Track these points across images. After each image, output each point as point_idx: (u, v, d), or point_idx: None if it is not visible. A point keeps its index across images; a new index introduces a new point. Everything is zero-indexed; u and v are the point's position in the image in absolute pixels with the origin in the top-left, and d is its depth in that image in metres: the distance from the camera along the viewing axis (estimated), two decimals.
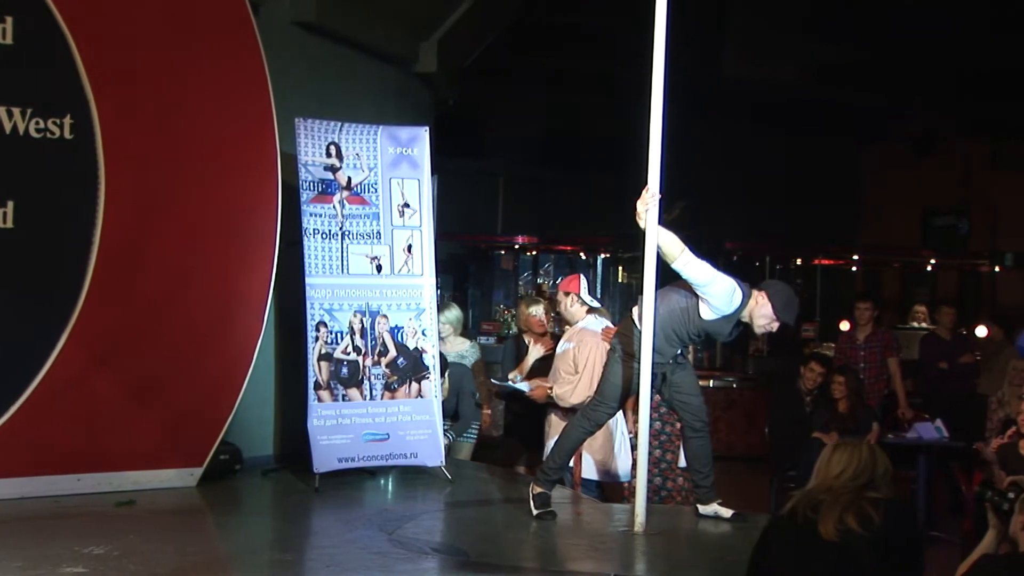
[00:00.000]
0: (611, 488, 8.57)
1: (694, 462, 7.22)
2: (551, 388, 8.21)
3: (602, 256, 18.99)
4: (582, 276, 8.69)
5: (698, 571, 6.44)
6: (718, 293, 6.75)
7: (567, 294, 8.43)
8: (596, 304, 8.38)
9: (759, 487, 11.13)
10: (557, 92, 19.35)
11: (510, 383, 8.79)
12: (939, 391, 12.43)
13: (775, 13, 15.11)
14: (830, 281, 20.19)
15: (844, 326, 13.41)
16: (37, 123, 7.43)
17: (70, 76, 7.48)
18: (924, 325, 17.14)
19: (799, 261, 20.09)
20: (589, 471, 8.25)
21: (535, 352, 8.93)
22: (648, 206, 6.69)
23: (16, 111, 7.36)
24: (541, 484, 7.20)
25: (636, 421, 7.55)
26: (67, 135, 7.53)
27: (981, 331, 13.73)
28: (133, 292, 7.72)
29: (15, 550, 6.17)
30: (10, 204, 7.36)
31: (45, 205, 7.49)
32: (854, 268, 20.94)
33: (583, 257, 19.15)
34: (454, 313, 9.69)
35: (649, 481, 7.15)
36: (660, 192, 6.79)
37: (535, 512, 7.12)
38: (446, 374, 9.02)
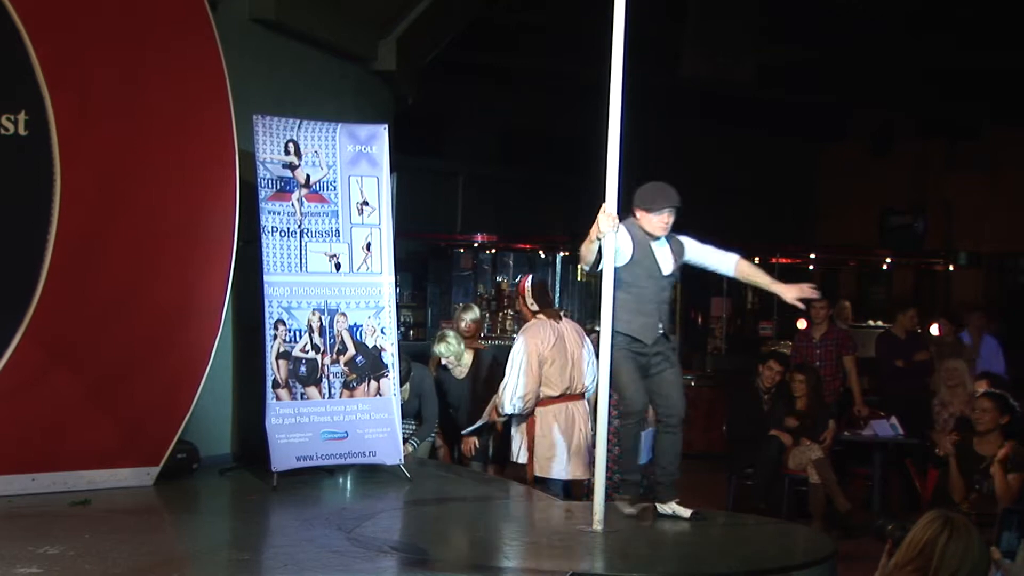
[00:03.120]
0: (574, 485, 8.57)
1: (660, 457, 7.19)
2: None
3: (561, 255, 19.01)
4: (529, 277, 8.71)
5: (656, 568, 6.43)
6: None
7: (520, 296, 8.48)
8: (535, 307, 8.39)
9: (717, 485, 11.18)
10: (517, 91, 19.34)
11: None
12: (895, 389, 12.51)
13: (732, 12, 15.12)
14: (787, 279, 20.22)
15: (801, 324, 13.47)
16: None
17: (25, 72, 7.38)
18: (881, 324, 17.25)
19: (756, 260, 20.09)
20: (543, 470, 8.24)
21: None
22: (606, 232, 6.74)
23: None
24: (627, 491, 7.20)
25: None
26: (22, 131, 7.44)
27: (935, 329, 13.85)
28: (89, 290, 7.66)
29: None
30: None
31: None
32: (811, 267, 21.03)
33: (542, 256, 19.15)
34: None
35: (608, 479, 7.15)
36: (618, 190, 6.82)
37: (633, 511, 7.11)
38: (408, 381, 9.02)
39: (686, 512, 7.10)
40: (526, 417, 8.19)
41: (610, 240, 6.79)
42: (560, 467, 8.19)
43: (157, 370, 7.92)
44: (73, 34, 7.58)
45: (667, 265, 7.14)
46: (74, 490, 7.52)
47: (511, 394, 8.08)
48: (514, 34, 16.91)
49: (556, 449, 8.20)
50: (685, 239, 7.29)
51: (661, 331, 7.13)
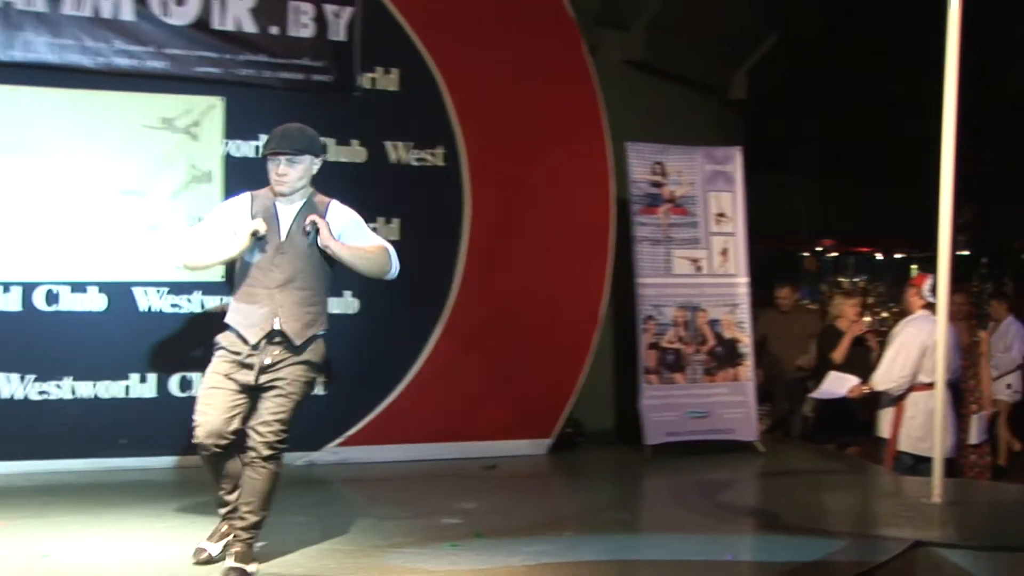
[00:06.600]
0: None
1: (241, 495, 4.86)
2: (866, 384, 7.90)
3: (897, 255, 18.29)
4: (929, 276, 8.27)
5: (996, 538, 6.02)
6: None
7: (912, 286, 8.07)
8: (932, 301, 7.87)
9: None
10: (853, 112, 18.77)
11: (826, 391, 8.44)
12: None
13: None
14: None
15: None
16: (416, 154, 7.76)
17: (442, 114, 7.77)
18: None
19: None
20: (913, 448, 7.83)
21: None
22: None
23: (400, 144, 7.72)
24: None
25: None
26: (440, 163, 7.82)
27: None
28: (493, 292, 7.92)
29: (406, 503, 6.44)
30: (396, 220, 7.70)
31: (423, 221, 7.78)
32: None
33: (880, 257, 18.48)
34: None
35: (951, 459, 6.78)
36: (953, 197, 6.48)
37: None
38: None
39: (227, 565, 4.75)
40: (896, 397, 7.78)
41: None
42: (928, 446, 7.70)
43: (548, 358, 8.11)
44: (479, 82, 7.87)
45: (291, 232, 4.87)
46: (483, 456, 7.75)
47: (894, 373, 7.66)
48: (847, 60, 16.43)
49: (925, 430, 7.77)
50: (338, 209, 5.01)
51: (278, 329, 4.80)
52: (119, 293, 7.11)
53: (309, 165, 4.91)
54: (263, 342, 4.78)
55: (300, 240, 4.83)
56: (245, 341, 4.78)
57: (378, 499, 6.65)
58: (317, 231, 4.81)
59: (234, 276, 4.94)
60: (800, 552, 5.49)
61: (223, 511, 4.92)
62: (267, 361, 4.77)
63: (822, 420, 8.79)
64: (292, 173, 4.84)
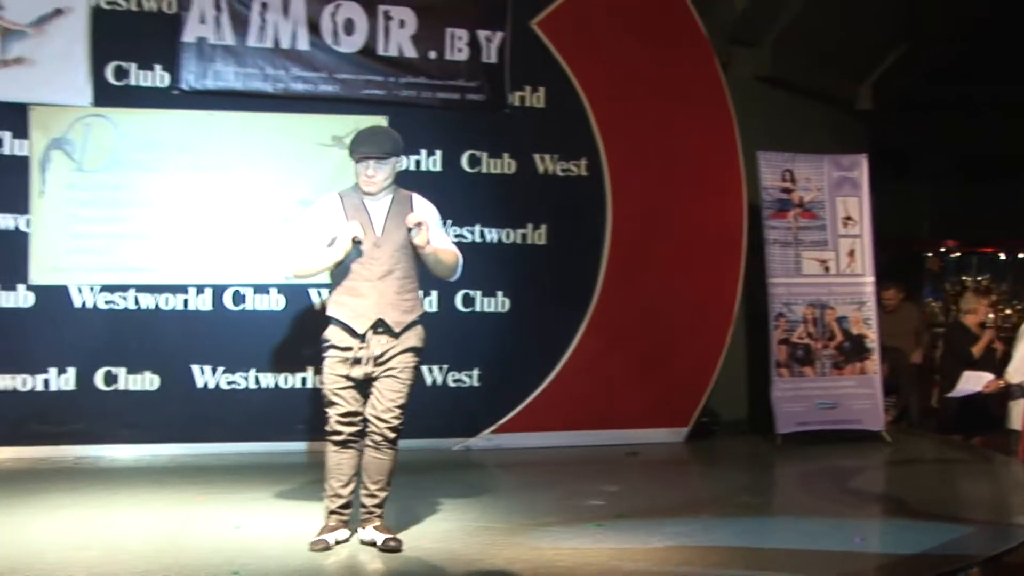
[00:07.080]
0: None
1: (363, 474, 5.00)
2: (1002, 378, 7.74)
3: (1020, 255, 17.69)
4: None
5: None
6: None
7: None
8: None
9: None
10: (975, 117, 18.21)
11: (963, 390, 8.27)
12: None
13: None
14: None
15: None
16: (562, 165, 7.88)
17: (585, 129, 7.86)
18: None
19: None
20: None
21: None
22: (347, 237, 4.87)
23: (547, 157, 7.85)
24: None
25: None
26: (583, 173, 7.92)
27: None
28: (633, 292, 7.97)
29: (553, 486, 6.55)
30: (543, 226, 7.85)
31: (568, 227, 7.90)
32: None
33: (1003, 257, 17.90)
34: None
35: None
36: None
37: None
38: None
39: (380, 538, 4.96)
40: None
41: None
42: None
43: (685, 352, 8.14)
44: (618, 98, 7.94)
45: (386, 227, 4.87)
46: (625, 443, 7.79)
47: (1017, 369, 7.50)
48: (972, 67, 15.95)
49: None
50: (422, 203, 4.99)
51: (382, 319, 4.84)
52: (297, 294, 7.41)
53: (395, 165, 4.93)
54: (369, 332, 4.81)
55: (395, 234, 4.85)
56: (352, 333, 4.81)
57: (528, 482, 6.78)
58: (411, 229, 4.83)
59: (332, 272, 4.95)
60: (928, 537, 5.44)
61: (335, 505, 4.94)
62: (377, 352, 4.82)
63: (959, 416, 8.61)
64: (380, 174, 4.86)
